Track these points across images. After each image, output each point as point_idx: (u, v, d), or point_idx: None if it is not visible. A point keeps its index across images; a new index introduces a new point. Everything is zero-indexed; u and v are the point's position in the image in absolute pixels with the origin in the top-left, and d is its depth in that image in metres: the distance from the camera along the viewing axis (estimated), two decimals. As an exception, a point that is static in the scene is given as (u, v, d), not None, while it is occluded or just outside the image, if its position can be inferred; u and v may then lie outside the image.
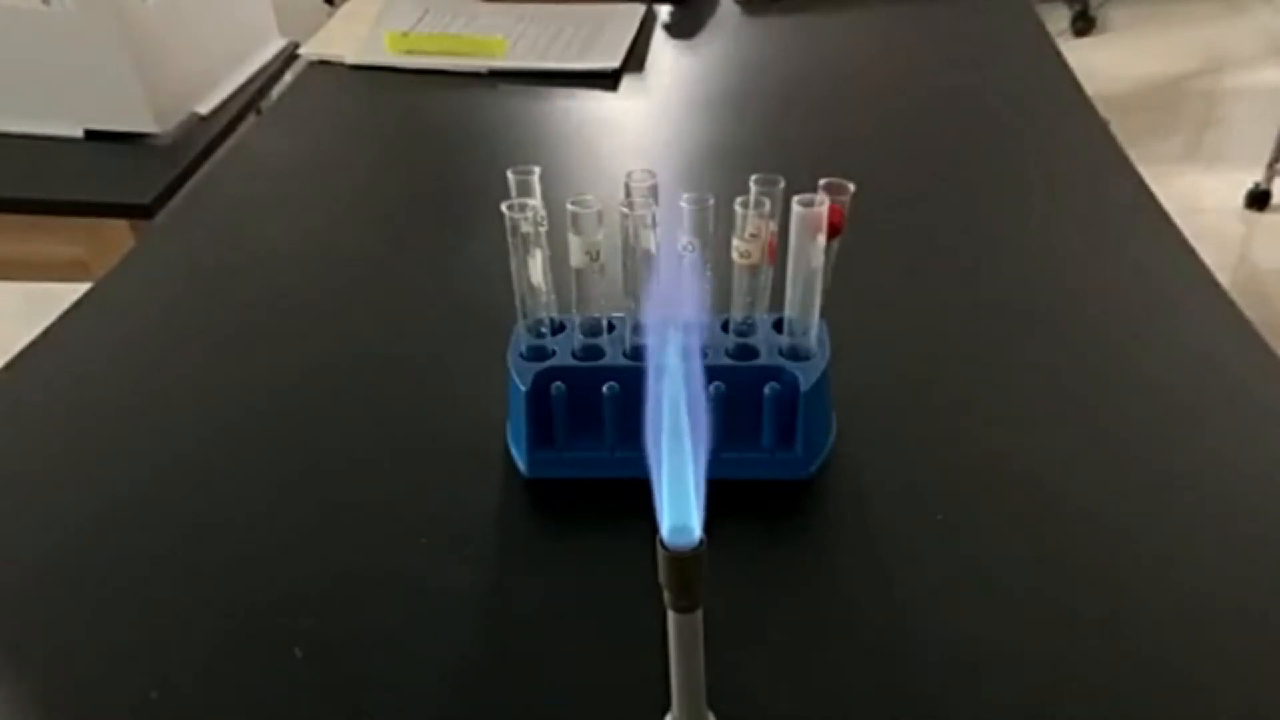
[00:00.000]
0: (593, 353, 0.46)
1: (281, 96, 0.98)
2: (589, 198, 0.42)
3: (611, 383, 0.44)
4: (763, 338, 0.46)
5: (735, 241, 0.44)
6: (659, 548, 0.25)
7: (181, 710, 0.38)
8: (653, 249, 0.42)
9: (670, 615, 0.27)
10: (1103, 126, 0.77)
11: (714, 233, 0.42)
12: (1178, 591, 0.41)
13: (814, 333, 0.45)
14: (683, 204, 0.41)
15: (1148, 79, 2.54)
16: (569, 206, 0.42)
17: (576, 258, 0.44)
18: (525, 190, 0.45)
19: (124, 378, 0.56)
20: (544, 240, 0.44)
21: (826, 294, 0.45)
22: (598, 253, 0.43)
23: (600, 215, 0.43)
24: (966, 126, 0.80)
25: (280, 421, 0.52)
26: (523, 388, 0.45)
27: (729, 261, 0.45)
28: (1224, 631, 0.39)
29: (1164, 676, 0.38)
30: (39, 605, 0.43)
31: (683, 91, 0.88)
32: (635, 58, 0.91)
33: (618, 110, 0.84)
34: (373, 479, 0.48)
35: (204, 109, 1.04)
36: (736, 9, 1.01)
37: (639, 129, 0.82)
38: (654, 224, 0.42)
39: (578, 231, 0.43)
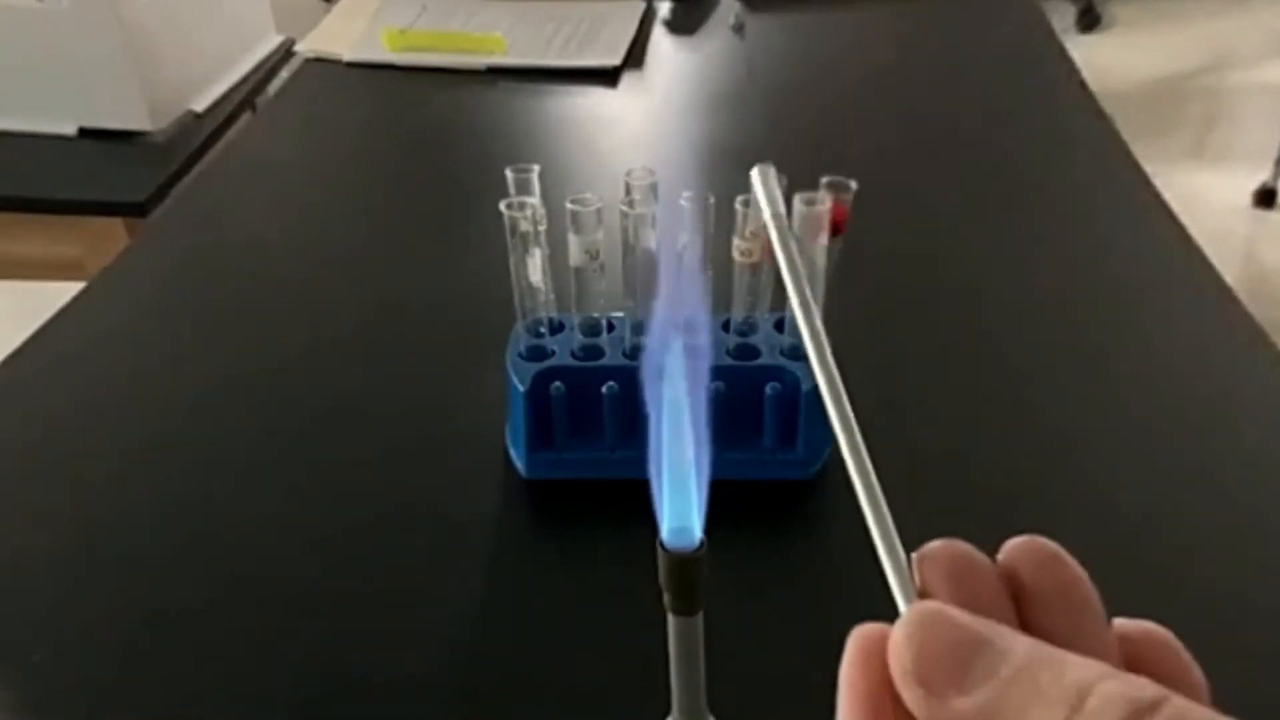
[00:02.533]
0: (592, 353, 0.46)
1: (277, 94, 0.97)
2: (588, 196, 0.42)
3: (611, 383, 0.44)
4: (764, 337, 0.46)
5: (736, 240, 0.44)
6: (659, 549, 0.24)
7: (179, 710, 0.38)
8: (653, 248, 0.42)
9: (670, 618, 0.26)
10: (1108, 123, 0.77)
11: (714, 232, 0.42)
12: (1182, 591, 0.41)
13: (816, 332, 0.45)
14: (683, 203, 0.41)
15: (1153, 75, 2.53)
16: (568, 205, 0.42)
17: (576, 257, 0.43)
18: (524, 189, 0.44)
19: (119, 376, 0.55)
20: (543, 239, 0.44)
21: (827, 294, 0.44)
22: (597, 252, 0.43)
23: (600, 214, 0.42)
24: (970, 124, 0.79)
25: (279, 422, 0.52)
26: (521, 388, 0.44)
27: (730, 260, 0.44)
28: (1224, 633, 0.39)
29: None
30: (36, 605, 0.42)
31: (683, 89, 0.87)
32: (635, 55, 0.91)
33: (617, 108, 0.84)
34: (373, 479, 0.48)
35: (199, 106, 1.04)
36: (737, 6, 1.01)
37: (639, 127, 0.82)
38: (654, 223, 0.41)
39: (577, 230, 0.42)
